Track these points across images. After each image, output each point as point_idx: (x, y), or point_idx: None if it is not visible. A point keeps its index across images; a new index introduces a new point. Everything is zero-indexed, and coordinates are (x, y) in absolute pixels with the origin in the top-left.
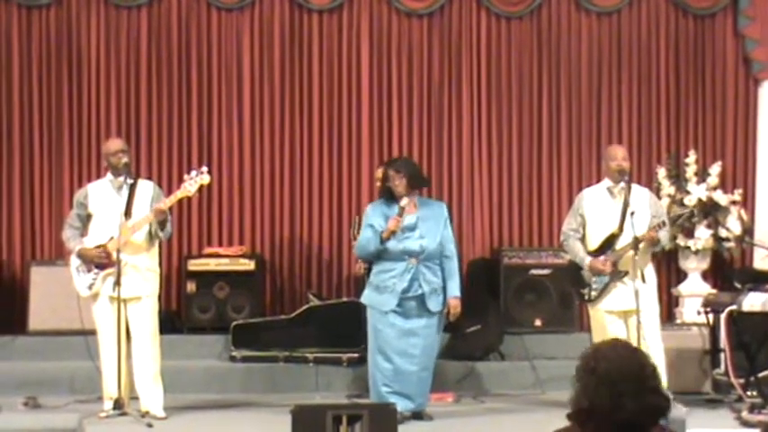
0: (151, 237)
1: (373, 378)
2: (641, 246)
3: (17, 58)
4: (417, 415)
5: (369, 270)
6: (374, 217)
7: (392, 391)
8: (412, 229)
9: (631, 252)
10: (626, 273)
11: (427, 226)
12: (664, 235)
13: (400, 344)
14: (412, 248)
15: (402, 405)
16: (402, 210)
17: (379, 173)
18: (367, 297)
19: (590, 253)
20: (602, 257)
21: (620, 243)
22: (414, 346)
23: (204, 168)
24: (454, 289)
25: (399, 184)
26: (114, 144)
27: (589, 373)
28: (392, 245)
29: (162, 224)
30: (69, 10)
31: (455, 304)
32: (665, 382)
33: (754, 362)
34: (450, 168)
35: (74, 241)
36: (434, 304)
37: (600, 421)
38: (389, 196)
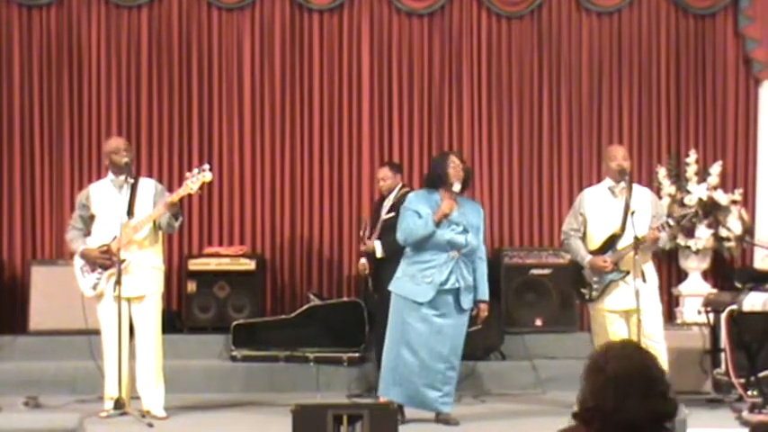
0: (156, 231)
1: (394, 371)
2: (642, 245)
3: (18, 57)
4: (442, 419)
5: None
6: (419, 203)
7: (422, 383)
8: (457, 223)
9: (632, 252)
10: (627, 273)
11: (469, 223)
12: (664, 236)
13: (430, 341)
14: (457, 240)
15: (431, 395)
16: (455, 194)
17: (380, 172)
18: (400, 287)
19: (591, 252)
20: (602, 256)
21: (622, 243)
22: (443, 344)
23: (206, 166)
24: (484, 292)
25: (457, 174)
26: (115, 143)
27: (597, 372)
28: (439, 233)
29: (176, 215)
30: (70, 9)
31: (484, 308)
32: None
33: (755, 361)
34: None
35: (77, 242)
36: (466, 302)
37: (604, 421)
38: (432, 185)
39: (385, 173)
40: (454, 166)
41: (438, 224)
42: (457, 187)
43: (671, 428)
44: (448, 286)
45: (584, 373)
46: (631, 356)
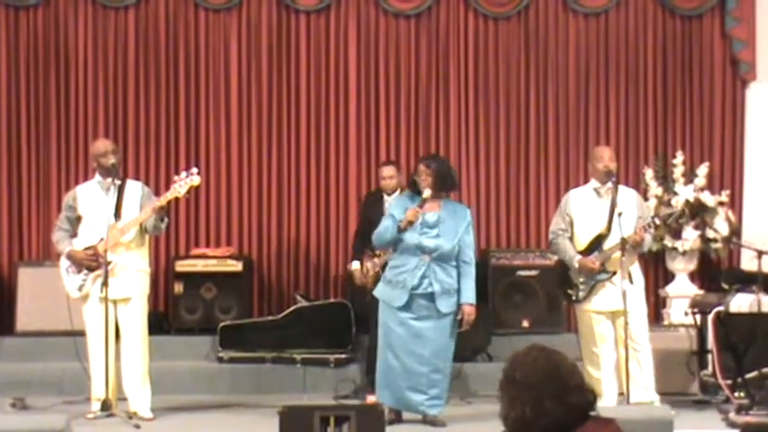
0: (142, 234)
1: (383, 375)
2: (627, 246)
3: (4, 58)
4: (429, 420)
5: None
6: (396, 208)
7: (406, 387)
8: (431, 226)
9: (619, 253)
10: (614, 273)
11: (446, 227)
12: (649, 237)
13: (409, 344)
14: (426, 245)
15: (415, 398)
16: (423, 201)
17: (386, 170)
18: (380, 291)
19: (578, 253)
20: (590, 257)
21: (608, 243)
22: (423, 346)
23: (194, 170)
24: (469, 296)
25: (425, 180)
26: (102, 145)
27: (509, 384)
28: (408, 238)
29: (162, 217)
30: (57, 10)
31: (469, 311)
32: (651, 383)
33: (742, 363)
34: None
35: (63, 243)
36: (445, 305)
37: (532, 430)
38: (415, 190)
39: (391, 171)
40: (418, 175)
41: (402, 230)
42: (426, 193)
43: (597, 414)
44: (420, 290)
45: (499, 389)
46: (537, 359)
